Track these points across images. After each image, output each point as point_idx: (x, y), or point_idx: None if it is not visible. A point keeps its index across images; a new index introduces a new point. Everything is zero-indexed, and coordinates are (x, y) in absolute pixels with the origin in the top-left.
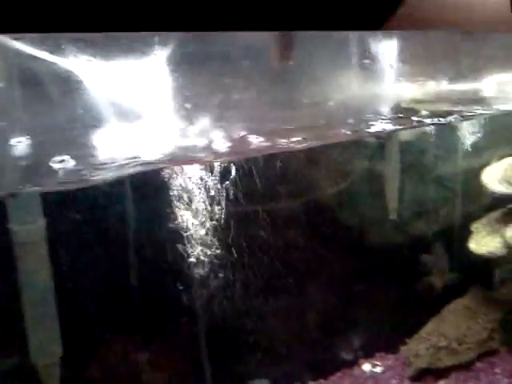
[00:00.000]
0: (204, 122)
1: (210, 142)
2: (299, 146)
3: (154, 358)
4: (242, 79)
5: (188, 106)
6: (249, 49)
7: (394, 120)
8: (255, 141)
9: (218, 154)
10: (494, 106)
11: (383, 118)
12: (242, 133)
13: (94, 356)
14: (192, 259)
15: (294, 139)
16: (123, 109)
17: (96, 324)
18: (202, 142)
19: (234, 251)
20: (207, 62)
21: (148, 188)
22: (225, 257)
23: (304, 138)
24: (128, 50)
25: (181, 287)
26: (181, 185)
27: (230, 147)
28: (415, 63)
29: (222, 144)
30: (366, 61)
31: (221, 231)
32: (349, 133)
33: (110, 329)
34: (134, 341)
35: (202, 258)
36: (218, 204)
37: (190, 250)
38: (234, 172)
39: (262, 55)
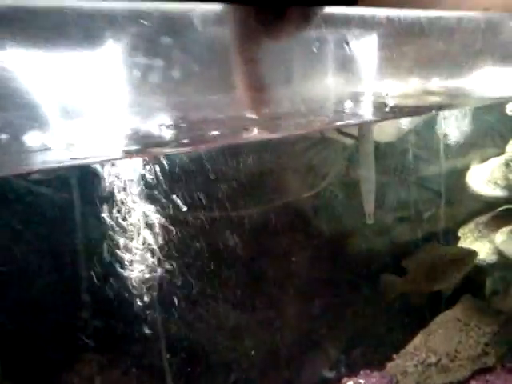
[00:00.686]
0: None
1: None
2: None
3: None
4: (161, 58)
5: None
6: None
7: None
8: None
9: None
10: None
11: (346, 109)
12: (162, 123)
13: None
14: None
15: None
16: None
17: (36, 341)
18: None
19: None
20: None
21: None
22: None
23: (245, 129)
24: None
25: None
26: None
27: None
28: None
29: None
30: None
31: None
32: (315, 124)
33: (54, 346)
34: (85, 359)
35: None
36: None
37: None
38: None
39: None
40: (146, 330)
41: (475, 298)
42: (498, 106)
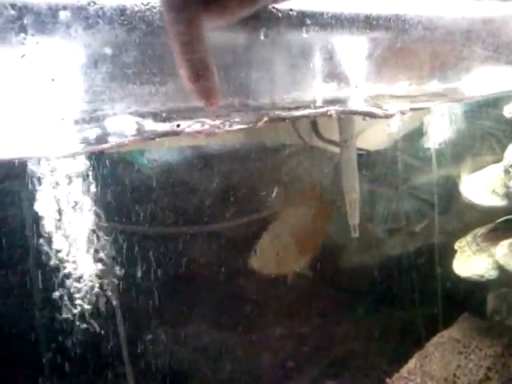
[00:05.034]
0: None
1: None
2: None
3: None
4: None
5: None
6: None
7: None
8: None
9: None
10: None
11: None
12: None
13: None
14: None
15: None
16: None
17: None
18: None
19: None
20: None
21: None
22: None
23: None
24: None
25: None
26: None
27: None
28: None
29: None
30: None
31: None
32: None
33: None
34: None
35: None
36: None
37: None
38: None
39: None
40: None
41: (475, 316)
42: (494, 109)
